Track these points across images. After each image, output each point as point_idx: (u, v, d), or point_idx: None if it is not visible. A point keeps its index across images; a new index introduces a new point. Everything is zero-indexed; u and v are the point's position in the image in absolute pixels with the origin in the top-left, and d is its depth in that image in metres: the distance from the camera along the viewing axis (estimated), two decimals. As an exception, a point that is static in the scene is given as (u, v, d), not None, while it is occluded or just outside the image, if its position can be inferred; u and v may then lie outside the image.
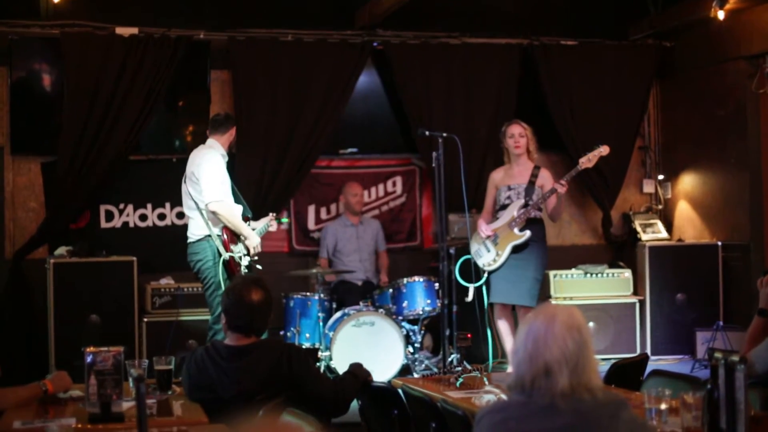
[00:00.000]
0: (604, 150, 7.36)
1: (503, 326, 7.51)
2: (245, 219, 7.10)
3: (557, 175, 7.61)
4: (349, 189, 8.77)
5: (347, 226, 8.74)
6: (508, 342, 7.45)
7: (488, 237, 7.40)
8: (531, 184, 7.40)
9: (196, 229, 6.96)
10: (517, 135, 7.45)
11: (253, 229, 7.13)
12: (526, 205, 7.35)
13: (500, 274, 7.41)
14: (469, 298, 7.55)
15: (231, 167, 7.65)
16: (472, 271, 7.61)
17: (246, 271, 6.92)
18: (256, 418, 3.87)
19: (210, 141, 7.13)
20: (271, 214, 7.60)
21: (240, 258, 6.91)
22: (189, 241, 7.02)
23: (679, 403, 3.42)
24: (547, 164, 7.72)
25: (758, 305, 4.46)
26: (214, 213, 6.83)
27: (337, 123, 8.77)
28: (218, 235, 6.85)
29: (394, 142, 9.27)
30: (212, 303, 6.89)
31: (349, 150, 9.17)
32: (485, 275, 7.49)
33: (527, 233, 7.31)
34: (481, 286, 7.54)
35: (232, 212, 6.93)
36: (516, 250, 7.36)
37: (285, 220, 8.04)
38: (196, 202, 6.92)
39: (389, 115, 9.16)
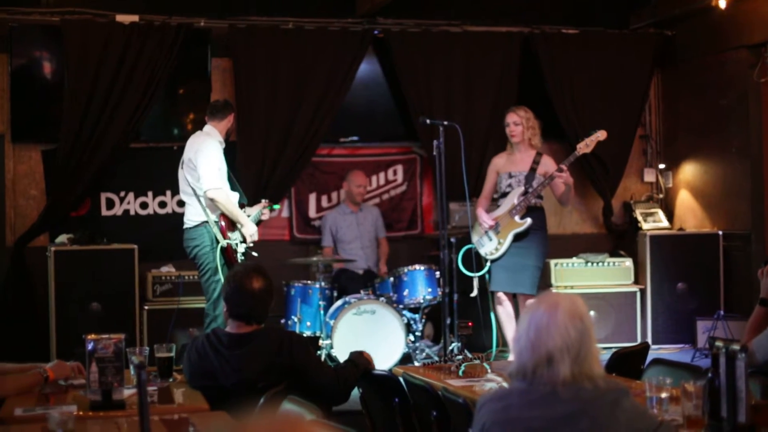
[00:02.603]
0: (601, 135, 7.33)
1: (504, 314, 7.51)
2: (240, 206, 7.10)
3: (558, 163, 7.59)
4: (354, 179, 8.73)
5: (346, 213, 8.74)
6: (509, 330, 7.45)
7: (490, 227, 7.39)
8: (532, 171, 7.39)
9: (193, 215, 6.96)
10: (512, 123, 7.43)
11: (248, 216, 7.13)
12: (525, 193, 7.34)
13: (501, 263, 7.41)
14: (474, 293, 7.54)
15: (232, 155, 7.65)
16: (473, 261, 7.60)
17: (242, 258, 6.92)
18: (259, 412, 3.88)
19: (207, 127, 7.12)
20: (263, 200, 7.58)
21: (237, 245, 6.91)
22: (186, 226, 7.02)
23: (680, 392, 3.42)
24: (547, 152, 7.70)
25: (759, 295, 4.46)
26: (212, 200, 6.83)
27: (338, 111, 8.76)
28: (216, 222, 6.85)
29: (394, 131, 9.26)
30: (208, 288, 6.90)
31: (350, 138, 9.16)
32: (488, 265, 7.49)
33: (528, 221, 7.31)
34: (483, 275, 7.54)
35: (230, 200, 6.93)
36: (517, 238, 7.35)
37: (276, 206, 8.04)
38: (193, 188, 6.92)
39: (390, 104, 9.15)
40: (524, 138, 7.41)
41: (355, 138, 9.18)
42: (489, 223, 7.39)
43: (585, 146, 7.32)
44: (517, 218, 7.33)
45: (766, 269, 4.44)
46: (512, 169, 7.44)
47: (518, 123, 7.40)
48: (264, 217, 7.47)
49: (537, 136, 7.46)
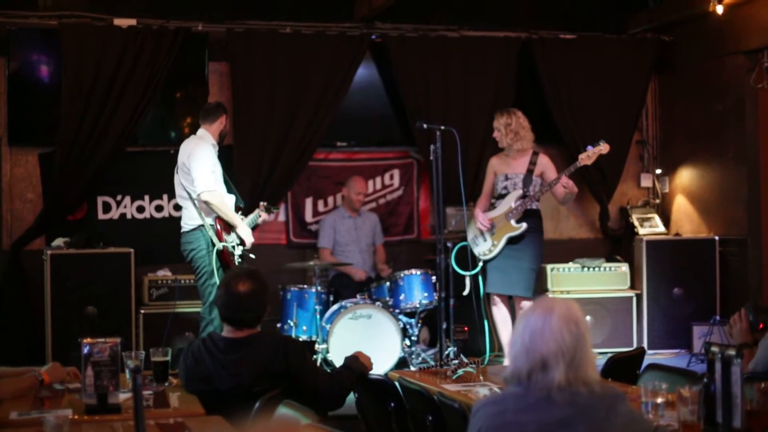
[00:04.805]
0: (604, 148, 7.31)
1: (499, 317, 7.51)
2: (237, 209, 7.10)
3: (555, 168, 7.59)
4: (354, 185, 8.70)
5: (345, 217, 8.73)
6: (504, 333, 7.45)
7: (485, 228, 7.39)
8: (529, 173, 7.39)
9: (190, 219, 6.96)
10: (495, 129, 7.47)
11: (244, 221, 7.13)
12: (524, 196, 7.34)
13: (496, 265, 7.42)
14: (466, 291, 7.55)
15: (229, 159, 7.65)
16: (468, 259, 7.60)
17: (239, 260, 6.92)
18: (254, 417, 3.88)
19: (200, 131, 7.12)
20: (261, 204, 7.57)
21: (233, 248, 6.90)
22: (183, 230, 7.02)
23: (676, 397, 3.42)
24: (545, 158, 7.71)
25: (738, 341, 4.40)
26: (206, 203, 6.82)
27: (335, 115, 8.75)
28: (211, 225, 6.85)
29: (391, 135, 9.26)
30: (204, 292, 6.89)
31: (347, 143, 9.15)
32: (481, 264, 7.50)
33: (524, 225, 7.31)
34: (477, 275, 7.54)
35: (224, 202, 6.93)
36: (512, 240, 7.36)
37: (276, 209, 8.02)
38: (188, 192, 6.92)
39: (387, 108, 9.15)
40: (505, 143, 7.42)
41: (352, 142, 9.18)
42: (485, 225, 7.40)
43: (587, 158, 7.31)
44: (512, 222, 7.33)
45: (737, 315, 4.41)
46: (508, 171, 7.44)
47: (498, 129, 7.42)
48: (261, 221, 7.45)
49: (522, 141, 7.39)
